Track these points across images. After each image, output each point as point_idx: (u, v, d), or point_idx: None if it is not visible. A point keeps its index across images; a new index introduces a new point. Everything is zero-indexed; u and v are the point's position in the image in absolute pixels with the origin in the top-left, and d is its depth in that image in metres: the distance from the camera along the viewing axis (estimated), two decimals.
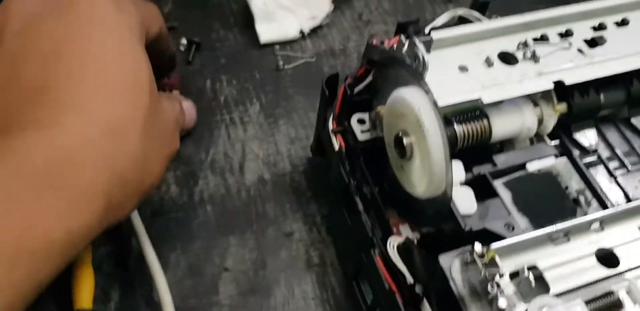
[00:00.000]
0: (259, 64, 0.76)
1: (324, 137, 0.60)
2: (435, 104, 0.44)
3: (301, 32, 0.79)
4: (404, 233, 0.52)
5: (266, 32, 0.77)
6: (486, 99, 0.47)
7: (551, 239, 0.43)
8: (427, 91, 0.44)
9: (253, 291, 0.58)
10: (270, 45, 0.78)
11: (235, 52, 0.77)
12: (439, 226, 0.50)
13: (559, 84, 0.49)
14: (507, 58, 0.51)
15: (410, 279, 0.46)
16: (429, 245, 0.51)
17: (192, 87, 0.73)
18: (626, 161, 0.52)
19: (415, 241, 0.51)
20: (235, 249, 0.61)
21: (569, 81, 0.49)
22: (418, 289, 0.45)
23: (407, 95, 0.46)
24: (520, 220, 0.47)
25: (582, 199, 0.49)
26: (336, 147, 0.56)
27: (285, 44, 0.79)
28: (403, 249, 0.49)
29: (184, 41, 0.76)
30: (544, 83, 0.49)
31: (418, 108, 0.45)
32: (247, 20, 0.79)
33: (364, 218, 0.52)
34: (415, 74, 0.46)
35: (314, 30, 0.80)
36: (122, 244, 0.60)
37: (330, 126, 0.57)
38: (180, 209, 0.63)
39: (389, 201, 0.53)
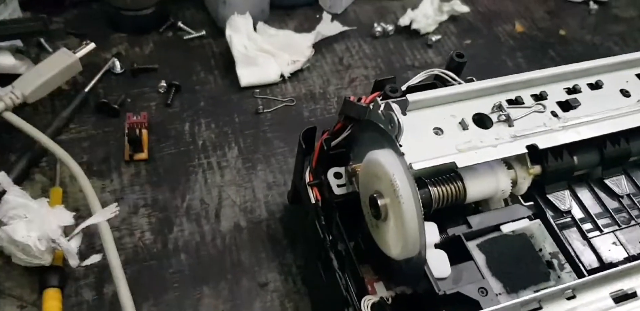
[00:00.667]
0: (239, 107, 0.77)
1: (301, 188, 0.60)
2: (408, 170, 0.44)
3: (281, 75, 0.80)
4: (379, 291, 0.52)
5: (247, 75, 0.78)
6: (460, 164, 0.48)
7: (524, 308, 0.43)
8: (401, 155, 0.45)
9: None
10: (251, 88, 0.79)
11: (215, 95, 0.77)
12: (414, 287, 0.50)
13: (532, 148, 0.50)
14: (482, 120, 0.52)
15: None
16: (403, 305, 0.51)
17: (170, 130, 0.73)
18: (599, 223, 0.52)
19: (390, 300, 0.51)
20: (209, 300, 0.60)
21: (542, 145, 0.50)
22: None
23: (382, 159, 0.47)
24: (494, 284, 0.47)
25: (555, 262, 0.49)
26: (312, 200, 0.56)
27: (265, 87, 0.79)
28: (377, 309, 0.50)
29: (163, 83, 0.76)
30: (517, 147, 0.50)
31: (392, 174, 0.45)
32: (228, 63, 0.79)
33: (338, 276, 0.52)
34: (389, 138, 0.47)
35: (295, 74, 0.81)
36: None
37: (307, 178, 0.58)
38: (154, 257, 0.63)
39: (364, 257, 0.53)
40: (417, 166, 0.46)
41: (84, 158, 0.69)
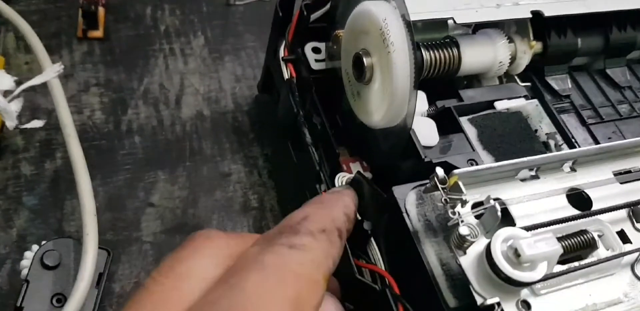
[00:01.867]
0: None
1: (273, 67, 0.54)
2: (404, 16, 0.39)
3: None
4: (354, 170, 0.46)
5: None
6: (459, 20, 0.42)
7: (519, 177, 0.39)
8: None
9: (180, 229, 0.52)
10: None
11: None
12: (394, 163, 0.45)
13: (537, 16, 0.45)
14: None
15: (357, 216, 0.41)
16: (382, 184, 0.46)
17: (129, 12, 0.66)
18: (600, 111, 0.48)
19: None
20: (164, 185, 0.54)
21: (548, 12, 0.45)
22: (366, 226, 0.40)
23: (373, 7, 0.41)
24: (485, 157, 0.43)
25: (552, 142, 0.45)
26: (286, 76, 0.51)
27: None
28: (353, 185, 0.44)
29: None
30: (521, 12, 0.45)
31: (384, 18, 0.39)
32: None
33: (311, 150, 0.46)
34: None
35: None
36: None
37: (282, 53, 0.52)
38: (104, 137, 0.56)
39: (340, 138, 0.47)
40: (411, 18, 0.41)
41: None
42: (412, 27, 0.38)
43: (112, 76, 0.60)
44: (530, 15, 0.44)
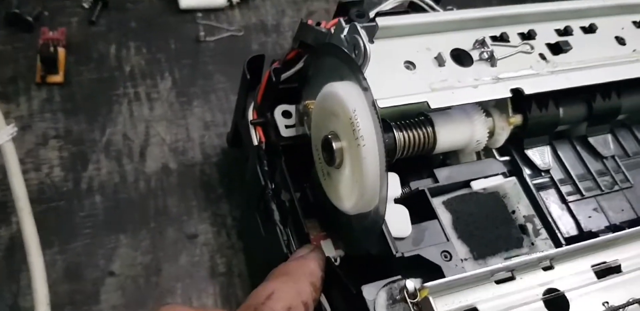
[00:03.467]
0: (177, 32, 0.67)
1: (242, 128, 0.51)
2: (374, 105, 0.36)
3: (229, 0, 0.70)
4: (326, 250, 0.44)
5: None
6: (434, 104, 0.40)
7: (494, 278, 0.37)
8: (366, 89, 0.37)
9: (141, 302, 0.49)
10: (192, 11, 0.68)
11: (150, 16, 0.67)
12: (366, 248, 0.43)
13: (517, 93, 0.43)
14: (461, 57, 0.44)
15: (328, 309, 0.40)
16: (353, 266, 0.44)
17: (92, 51, 0.62)
18: (580, 186, 0.46)
19: (338, 261, 0.44)
20: (125, 251, 0.52)
21: (528, 90, 0.43)
22: None
23: (342, 92, 0.38)
24: (460, 248, 0.41)
25: (530, 226, 0.43)
26: (255, 141, 0.48)
27: (209, 12, 0.69)
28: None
29: None
30: (500, 90, 0.42)
31: (353, 110, 0.37)
32: None
33: (279, 230, 0.44)
34: (353, 66, 0.38)
35: (245, 0, 0.71)
36: None
37: (250, 116, 0.49)
38: (62, 197, 0.53)
39: (311, 210, 0.45)
40: (382, 104, 0.39)
41: None
42: (381, 122, 0.35)
43: (72, 126, 0.57)
44: (510, 95, 0.42)
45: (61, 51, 0.59)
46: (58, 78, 0.59)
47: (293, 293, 0.33)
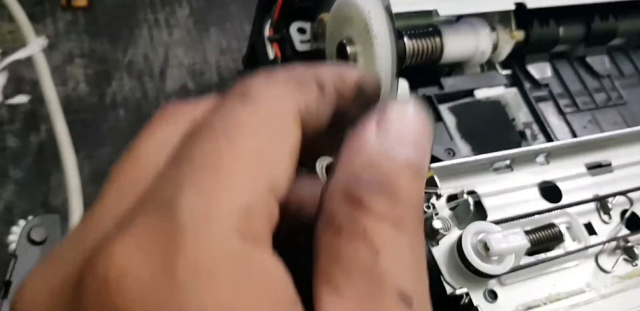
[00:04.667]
0: None
1: (258, 46, 0.54)
2: (388, 8, 0.39)
3: None
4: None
5: None
6: (443, 11, 0.43)
7: (494, 168, 0.40)
8: None
9: None
10: None
11: None
12: None
13: (520, 6, 0.45)
14: None
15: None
16: None
17: None
18: (577, 100, 0.49)
19: None
20: None
21: (531, 4, 0.45)
22: None
23: None
24: (463, 147, 0.44)
25: (528, 132, 0.46)
26: (271, 56, 0.51)
27: None
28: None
29: None
30: (505, 3, 0.45)
31: (368, 11, 0.40)
32: None
33: None
34: None
35: None
36: None
37: (267, 33, 0.52)
38: (89, 110, 0.56)
39: None
40: (396, 8, 0.41)
41: None
42: (394, 22, 0.38)
43: (96, 47, 0.60)
44: (513, 7, 0.45)
45: None
46: (82, 2, 0.62)
47: (306, 69, 0.21)
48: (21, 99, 0.49)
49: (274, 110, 0.21)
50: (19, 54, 0.49)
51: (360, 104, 0.23)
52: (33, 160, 0.52)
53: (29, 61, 0.53)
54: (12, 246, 0.45)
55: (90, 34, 0.61)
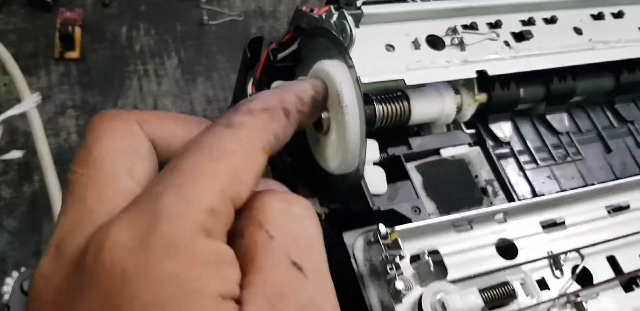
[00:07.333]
0: (183, 16, 0.73)
1: None
2: (357, 80, 0.43)
3: None
4: (314, 207, 0.51)
5: None
6: (409, 81, 0.47)
7: (455, 226, 0.44)
8: (351, 66, 0.43)
9: None
10: None
11: (158, 1, 0.73)
12: (348, 204, 0.49)
13: (481, 74, 0.49)
14: (435, 42, 0.50)
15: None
16: (336, 221, 0.50)
17: (105, 32, 0.68)
18: (537, 156, 0.53)
19: (323, 216, 0.50)
20: None
21: (492, 71, 0.49)
22: None
23: (330, 68, 0.45)
24: (428, 204, 0.48)
25: (489, 189, 0.50)
26: None
27: None
28: None
29: None
30: (467, 71, 0.49)
31: (339, 83, 0.43)
32: None
33: None
34: (341, 47, 0.45)
35: None
36: None
37: (249, 90, 0.55)
38: None
39: (300, 174, 0.52)
40: (365, 79, 0.45)
41: (10, 51, 0.64)
42: (362, 94, 0.42)
43: (88, 98, 0.63)
44: (475, 75, 0.49)
45: (77, 30, 0.66)
46: (75, 54, 0.65)
47: (275, 99, 0.31)
48: (15, 154, 0.52)
49: (250, 139, 0.28)
50: (14, 110, 0.52)
51: (314, 109, 0.35)
52: (26, 210, 0.55)
53: (23, 113, 0.56)
54: (6, 298, 0.48)
55: (82, 85, 0.64)
